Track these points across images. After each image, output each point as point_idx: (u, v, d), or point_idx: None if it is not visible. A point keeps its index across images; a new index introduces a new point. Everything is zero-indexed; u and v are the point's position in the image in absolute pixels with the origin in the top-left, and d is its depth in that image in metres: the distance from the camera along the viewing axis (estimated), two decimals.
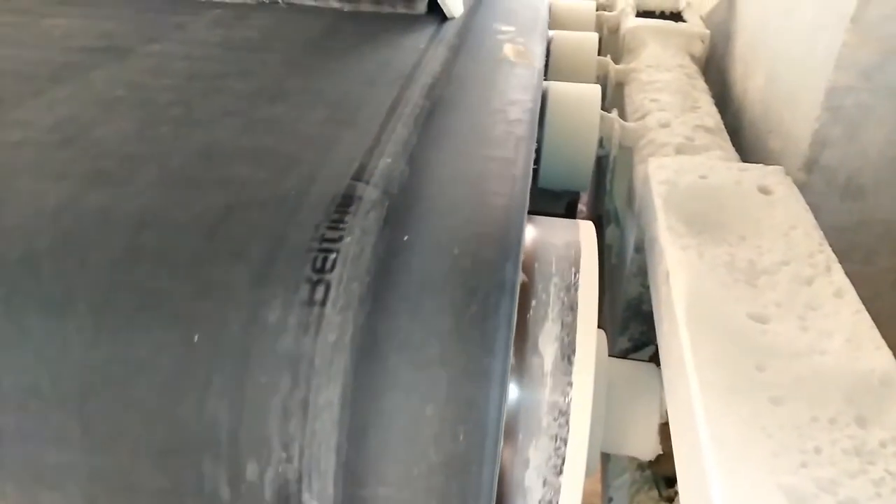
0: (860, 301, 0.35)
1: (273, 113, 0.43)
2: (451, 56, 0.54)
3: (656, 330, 0.40)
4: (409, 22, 0.62)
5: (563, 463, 0.29)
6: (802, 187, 0.57)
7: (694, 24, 0.83)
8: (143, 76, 0.49)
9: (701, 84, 0.72)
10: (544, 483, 0.29)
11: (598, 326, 0.35)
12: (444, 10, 0.66)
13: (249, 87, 0.46)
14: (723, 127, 0.63)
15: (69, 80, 0.47)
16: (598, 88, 0.60)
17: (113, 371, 0.29)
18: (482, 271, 0.30)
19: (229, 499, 0.27)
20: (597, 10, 0.91)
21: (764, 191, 0.45)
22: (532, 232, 0.38)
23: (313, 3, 0.70)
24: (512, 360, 0.29)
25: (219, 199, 0.33)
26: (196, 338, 0.28)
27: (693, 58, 0.79)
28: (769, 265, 0.38)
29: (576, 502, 0.29)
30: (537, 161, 0.59)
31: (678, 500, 0.41)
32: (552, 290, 0.33)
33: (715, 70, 0.86)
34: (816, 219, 0.57)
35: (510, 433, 0.30)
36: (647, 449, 0.39)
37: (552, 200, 0.88)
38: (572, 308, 0.32)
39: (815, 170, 0.55)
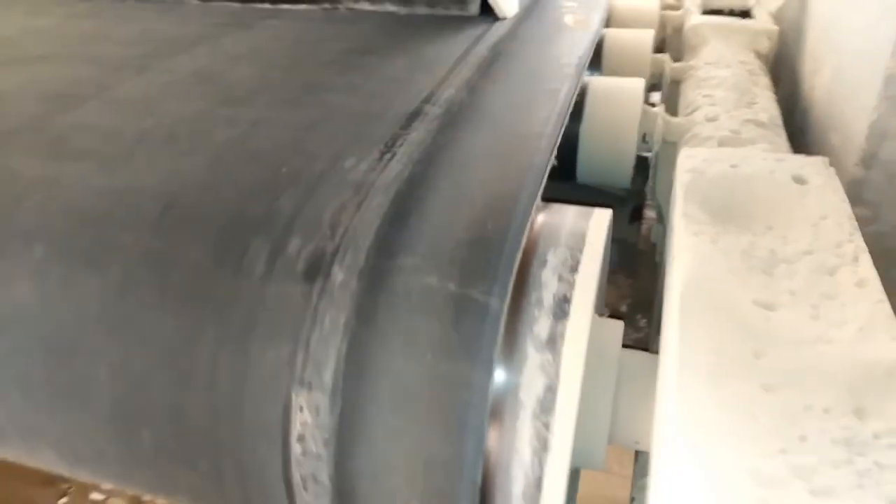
0: (883, 291, 0.33)
1: (363, 62, 0.54)
2: (516, 23, 0.63)
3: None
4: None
5: (578, 264, 0.32)
6: (861, 183, 0.53)
7: (762, 20, 0.79)
8: (261, 41, 0.62)
9: (764, 81, 0.69)
10: (559, 279, 0.32)
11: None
12: (496, 11, 0.67)
13: (344, 47, 0.58)
14: (780, 123, 0.60)
15: (205, 43, 0.61)
16: (641, 82, 0.58)
17: (201, 181, 0.37)
18: (522, 151, 0.39)
19: (262, 272, 0.31)
20: (662, 10, 0.88)
21: (799, 180, 0.42)
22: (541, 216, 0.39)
23: (370, 8, 0.74)
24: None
25: (315, 113, 0.44)
26: (284, 169, 0.37)
27: (759, 55, 0.75)
28: (791, 254, 0.36)
29: (589, 298, 0.31)
30: (575, 156, 0.58)
31: None
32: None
33: (788, 68, 0.82)
34: (878, 218, 0.53)
35: (530, 245, 0.33)
36: None
37: (617, 204, 0.86)
38: None
39: (874, 164, 0.51)
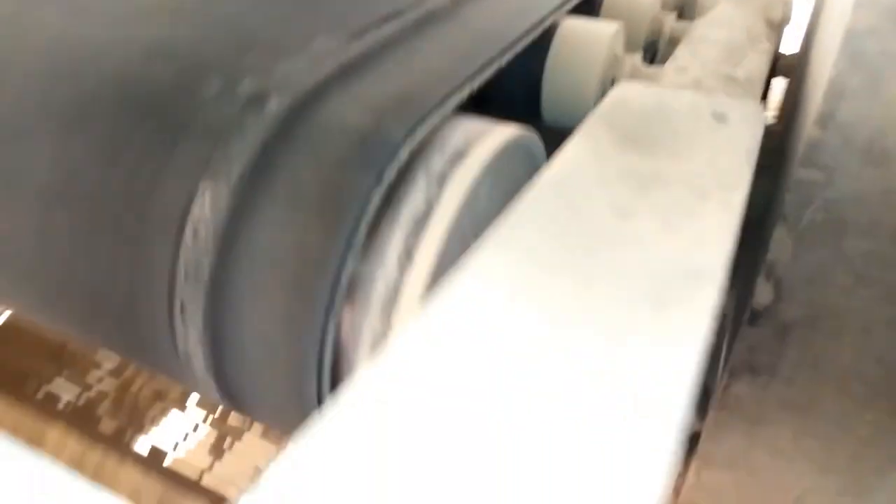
0: (739, 217, 0.33)
1: None
2: None
3: None
4: None
5: (487, 134, 0.37)
6: (816, 145, 0.51)
7: None
8: None
9: (763, 46, 0.66)
10: (465, 138, 0.37)
11: None
12: None
13: None
14: (758, 83, 0.58)
15: None
16: (614, 26, 0.58)
17: (188, 38, 0.42)
18: (475, 50, 0.43)
19: (210, 97, 0.36)
20: None
21: (719, 118, 0.42)
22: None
23: None
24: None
25: (311, 7, 0.48)
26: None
27: (770, 23, 0.73)
28: (673, 177, 0.36)
29: (485, 157, 0.36)
30: (539, 93, 0.58)
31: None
32: None
33: (808, 41, 0.78)
34: (831, 184, 0.52)
35: (449, 116, 0.38)
36: None
37: None
38: None
39: (831, 125, 0.49)
